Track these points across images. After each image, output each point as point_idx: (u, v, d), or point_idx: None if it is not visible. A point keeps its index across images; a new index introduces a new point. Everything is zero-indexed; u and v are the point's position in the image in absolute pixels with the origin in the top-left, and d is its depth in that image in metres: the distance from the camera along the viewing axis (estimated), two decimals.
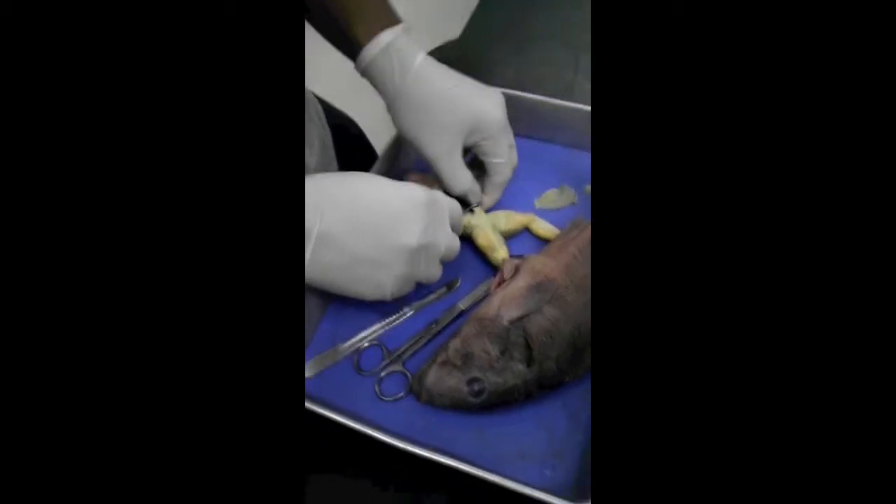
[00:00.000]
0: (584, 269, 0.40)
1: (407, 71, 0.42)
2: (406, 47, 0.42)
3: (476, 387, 0.36)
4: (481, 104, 0.43)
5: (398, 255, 0.36)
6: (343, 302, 0.44)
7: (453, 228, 0.40)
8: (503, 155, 0.45)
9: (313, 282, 0.37)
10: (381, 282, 0.37)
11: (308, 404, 0.36)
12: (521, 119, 0.50)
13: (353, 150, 0.63)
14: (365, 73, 0.44)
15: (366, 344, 0.42)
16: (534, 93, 0.50)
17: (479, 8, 0.67)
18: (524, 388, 0.36)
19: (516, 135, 0.48)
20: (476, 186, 0.45)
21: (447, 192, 0.44)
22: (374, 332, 0.42)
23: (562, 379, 0.37)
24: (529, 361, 0.36)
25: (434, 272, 0.39)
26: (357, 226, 0.36)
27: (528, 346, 0.37)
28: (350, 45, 0.43)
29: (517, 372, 0.36)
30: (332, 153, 0.56)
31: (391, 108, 0.44)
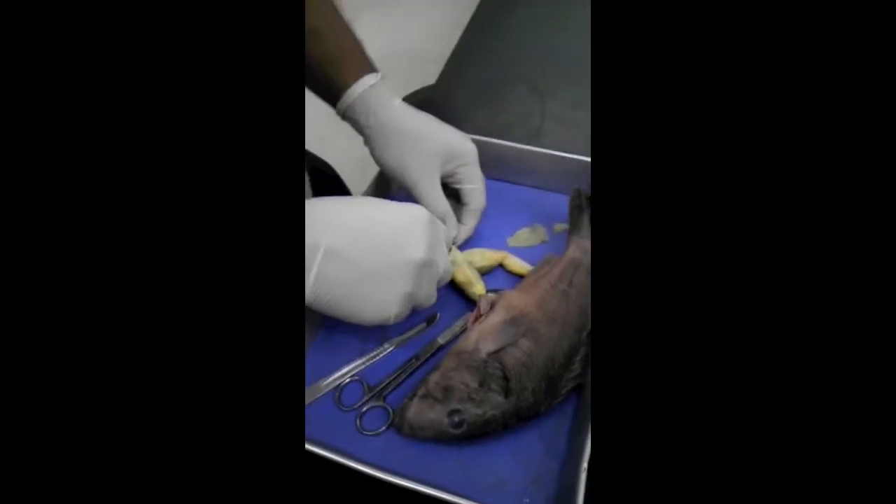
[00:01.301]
0: (556, 303, 0.42)
1: (389, 107, 0.46)
2: (386, 89, 0.47)
3: (456, 418, 0.37)
4: (455, 136, 0.48)
5: (404, 269, 0.37)
6: (325, 338, 0.45)
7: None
8: (477, 181, 0.49)
9: (318, 300, 0.36)
10: (387, 300, 0.37)
11: None
12: (493, 163, 0.53)
13: (330, 193, 0.65)
14: (348, 110, 0.47)
15: (347, 380, 0.43)
16: (504, 138, 0.54)
17: (452, 56, 0.71)
18: (502, 418, 0.38)
19: (488, 178, 0.52)
20: (452, 213, 0.48)
21: None
22: (355, 367, 0.43)
23: (538, 409, 0.39)
24: (507, 392, 0.38)
25: (432, 294, 0.41)
26: (364, 241, 0.36)
27: (506, 378, 0.38)
28: (329, 89, 0.47)
29: (495, 403, 0.38)
30: (311, 195, 0.58)
31: (372, 142, 0.47)
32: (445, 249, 0.42)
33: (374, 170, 0.52)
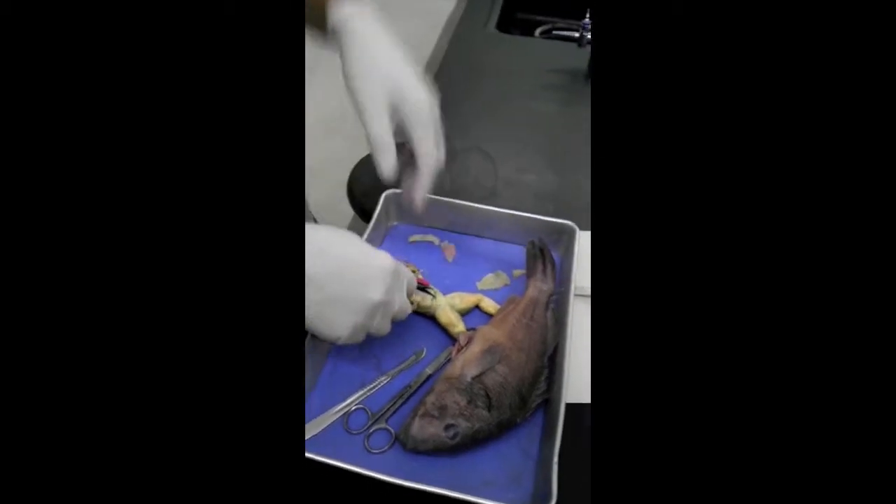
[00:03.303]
0: (522, 334, 0.52)
1: (360, 31, 0.48)
2: (367, 16, 0.49)
3: (451, 431, 0.46)
4: (408, 80, 0.48)
5: (362, 305, 0.45)
6: (330, 373, 0.53)
7: (408, 295, 0.51)
8: (427, 143, 0.49)
9: None
10: (341, 324, 0.45)
11: (313, 455, 0.43)
12: (461, 220, 0.64)
13: None
14: (330, 36, 0.50)
15: (353, 407, 0.50)
16: (465, 199, 0.65)
17: None
18: (487, 429, 0.47)
19: (458, 233, 0.62)
20: (392, 160, 0.48)
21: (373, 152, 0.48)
22: (358, 397, 0.51)
23: (514, 420, 0.48)
24: (490, 408, 0.47)
25: (385, 327, 0.48)
26: (338, 275, 0.44)
27: (488, 396, 0.48)
28: (318, 19, 0.50)
29: (482, 417, 0.47)
30: None
31: (343, 64, 0.50)
32: (404, 291, 0.49)
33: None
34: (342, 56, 0.49)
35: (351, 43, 0.48)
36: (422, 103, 0.48)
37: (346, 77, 0.49)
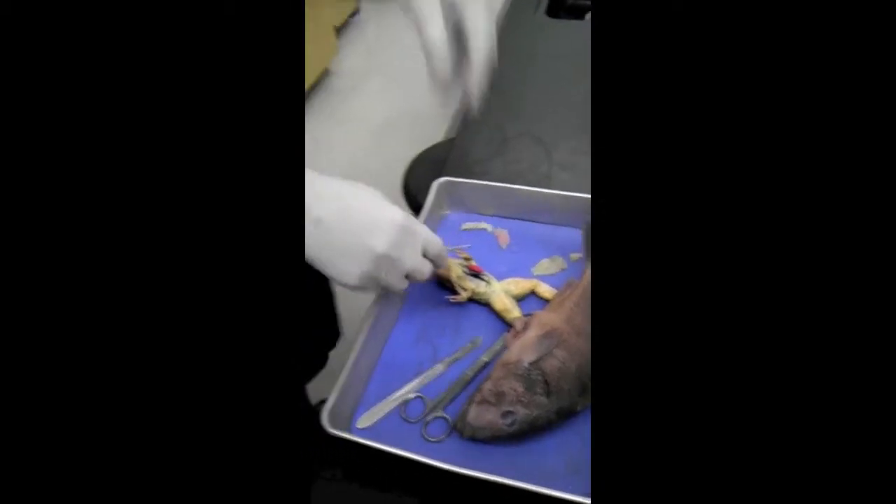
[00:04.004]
0: (581, 318, 0.50)
1: None
2: None
3: (510, 419, 0.44)
4: None
5: (365, 253, 0.45)
6: (386, 363, 0.53)
7: (430, 256, 0.50)
8: (478, 19, 0.47)
9: None
10: (348, 271, 0.45)
11: (372, 443, 0.43)
12: (513, 205, 0.63)
13: None
14: None
15: (410, 396, 0.50)
16: (519, 183, 0.63)
17: (464, 116, 0.81)
18: (546, 416, 0.45)
19: (511, 218, 0.61)
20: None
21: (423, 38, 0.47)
22: (415, 386, 0.51)
23: (574, 408, 0.46)
24: (548, 394, 0.45)
25: (397, 283, 0.48)
26: (345, 220, 0.45)
27: (546, 382, 0.46)
28: None
29: (540, 403, 0.45)
30: None
31: None
32: (416, 250, 0.48)
33: None
34: None
35: None
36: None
37: None
